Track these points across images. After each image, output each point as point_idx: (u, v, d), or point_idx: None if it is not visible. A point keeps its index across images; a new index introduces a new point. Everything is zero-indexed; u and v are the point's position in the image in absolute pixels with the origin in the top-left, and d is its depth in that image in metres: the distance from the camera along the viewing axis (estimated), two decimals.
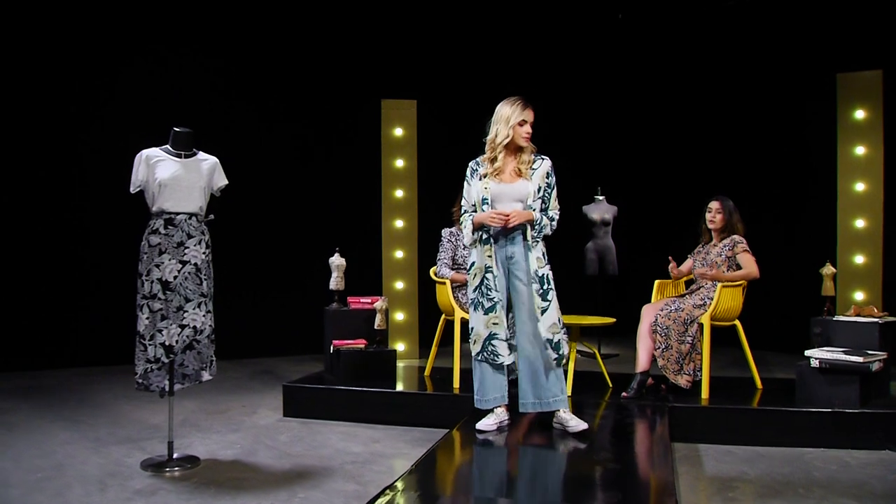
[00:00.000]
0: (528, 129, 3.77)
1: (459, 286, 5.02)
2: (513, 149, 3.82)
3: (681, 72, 8.41)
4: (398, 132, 7.24)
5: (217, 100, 7.24)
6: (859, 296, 6.14)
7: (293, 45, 7.65)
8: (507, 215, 3.68)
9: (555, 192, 3.85)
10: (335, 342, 5.11)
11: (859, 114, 6.25)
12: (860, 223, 6.22)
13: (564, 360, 3.77)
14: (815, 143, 6.98)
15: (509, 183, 3.77)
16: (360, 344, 5.08)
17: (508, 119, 3.75)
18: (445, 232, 5.24)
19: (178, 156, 3.86)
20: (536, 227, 3.75)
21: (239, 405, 5.24)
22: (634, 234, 8.46)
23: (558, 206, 3.87)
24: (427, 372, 5.32)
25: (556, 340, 3.71)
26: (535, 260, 3.74)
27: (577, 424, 3.69)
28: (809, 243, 6.98)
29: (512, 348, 3.83)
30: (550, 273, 3.79)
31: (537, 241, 3.76)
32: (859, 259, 6.20)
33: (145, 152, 3.83)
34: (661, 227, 8.47)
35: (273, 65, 7.57)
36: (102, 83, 6.79)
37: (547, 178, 3.81)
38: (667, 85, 8.57)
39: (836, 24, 6.87)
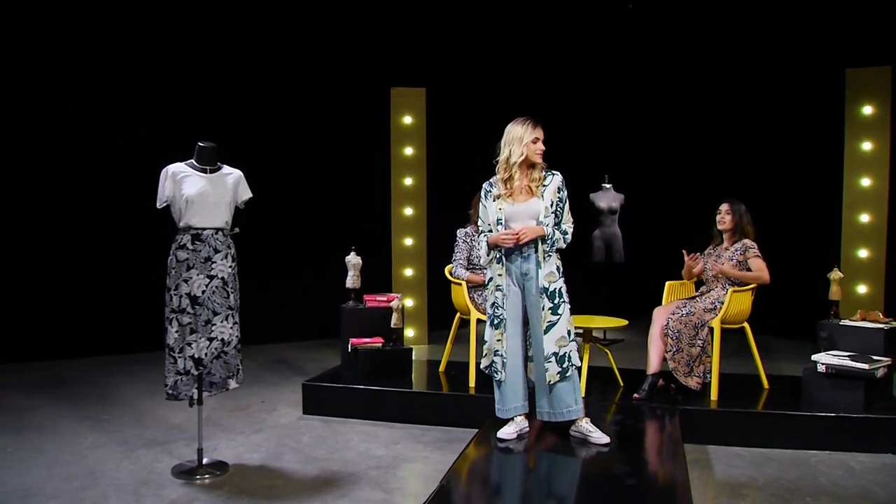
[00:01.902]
0: (540, 146, 3.84)
1: (475, 287, 5.11)
2: (525, 167, 3.88)
3: (689, 63, 8.41)
4: (407, 120, 7.28)
5: (218, 99, 7.25)
6: (862, 289, 6.27)
7: (299, 37, 7.62)
8: (517, 233, 3.76)
9: (567, 205, 3.90)
10: (353, 341, 5.21)
11: (867, 109, 6.30)
12: (865, 218, 6.32)
13: (576, 369, 3.85)
14: (822, 137, 7.03)
15: (522, 202, 3.84)
16: (378, 343, 5.19)
17: (522, 138, 3.81)
18: (461, 232, 5.31)
19: (204, 170, 3.91)
20: (548, 241, 3.81)
21: (258, 401, 5.37)
22: (641, 222, 8.52)
23: (572, 220, 3.92)
24: (442, 368, 5.44)
25: (562, 354, 3.79)
26: (547, 275, 3.81)
27: (599, 437, 3.81)
28: (814, 236, 7.10)
29: (506, 363, 3.91)
30: (563, 286, 3.86)
31: (550, 256, 3.82)
32: (863, 253, 6.31)
33: (171, 168, 3.87)
34: (668, 215, 8.55)
35: (278, 60, 7.56)
36: (102, 83, 6.79)
37: (558, 192, 3.86)
38: (675, 75, 8.57)
39: (845, 20, 6.87)
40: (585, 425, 3.87)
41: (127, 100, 6.87)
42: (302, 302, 7.59)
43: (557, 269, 3.85)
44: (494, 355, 3.92)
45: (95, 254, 6.83)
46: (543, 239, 3.80)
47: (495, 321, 3.90)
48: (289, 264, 7.57)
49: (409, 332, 7.24)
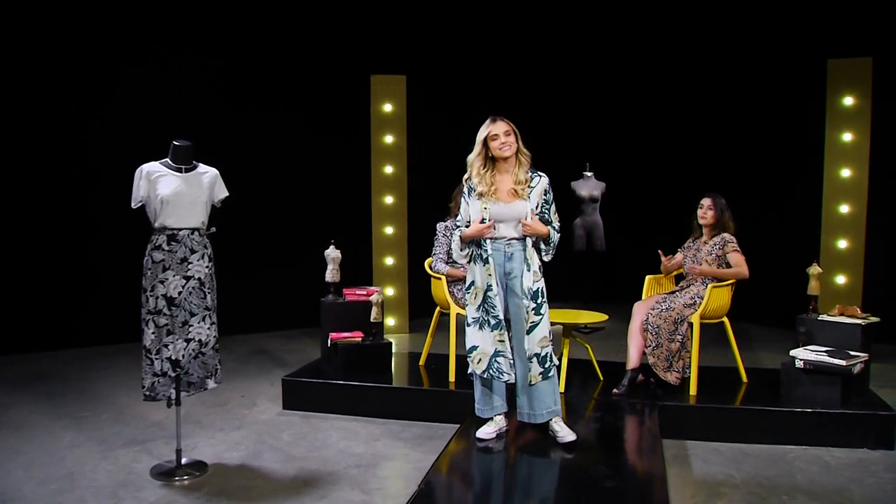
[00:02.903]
0: (501, 140, 3.75)
1: (454, 281, 5.09)
2: (503, 164, 3.82)
3: (671, 52, 8.38)
4: (387, 108, 7.21)
5: (217, 99, 7.20)
6: (841, 280, 6.31)
7: (286, 31, 7.54)
8: (491, 224, 3.73)
9: (553, 206, 3.88)
10: (332, 335, 5.19)
11: (848, 100, 6.30)
12: (845, 208, 6.34)
13: (554, 368, 3.85)
14: (803, 128, 7.03)
15: (508, 203, 3.78)
16: (357, 337, 5.17)
17: (479, 136, 3.78)
18: (440, 226, 5.27)
19: (179, 170, 3.85)
20: (551, 243, 3.83)
21: (238, 395, 5.34)
22: (623, 210, 8.52)
23: (558, 217, 3.90)
24: (422, 361, 5.43)
25: (543, 354, 3.78)
26: (532, 274, 3.79)
27: (565, 436, 3.80)
28: (795, 226, 7.14)
29: (512, 365, 3.89)
30: (544, 287, 3.84)
31: (550, 254, 3.84)
32: (842, 244, 6.34)
33: (145, 167, 3.81)
34: (650, 203, 8.55)
35: (269, 56, 7.49)
36: (102, 83, 6.73)
37: (545, 194, 3.83)
38: (657, 64, 8.55)
39: (827, 11, 6.84)
40: (554, 425, 3.86)
41: (127, 100, 6.82)
42: (283, 291, 7.53)
43: (539, 269, 3.84)
44: (498, 356, 3.80)
45: (95, 254, 6.79)
46: (546, 240, 3.81)
47: (492, 322, 3.80)
48: (271, 253, 7.51)
49: (390, 321, 7.24)
